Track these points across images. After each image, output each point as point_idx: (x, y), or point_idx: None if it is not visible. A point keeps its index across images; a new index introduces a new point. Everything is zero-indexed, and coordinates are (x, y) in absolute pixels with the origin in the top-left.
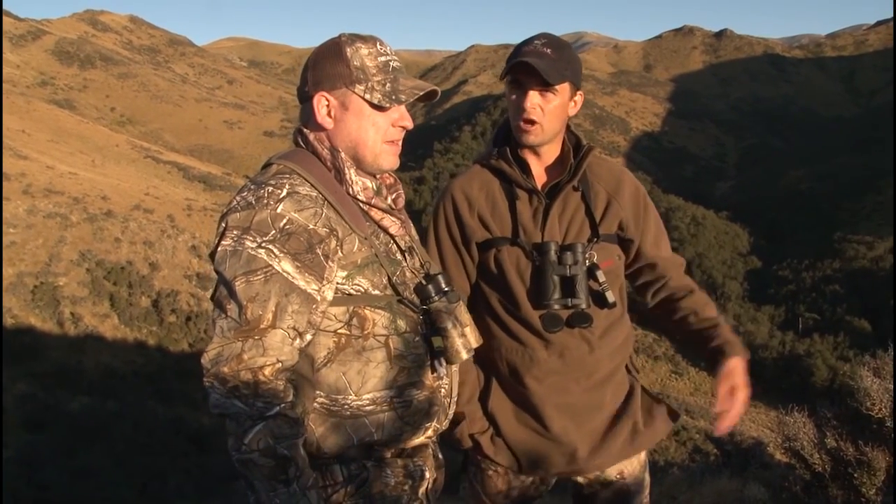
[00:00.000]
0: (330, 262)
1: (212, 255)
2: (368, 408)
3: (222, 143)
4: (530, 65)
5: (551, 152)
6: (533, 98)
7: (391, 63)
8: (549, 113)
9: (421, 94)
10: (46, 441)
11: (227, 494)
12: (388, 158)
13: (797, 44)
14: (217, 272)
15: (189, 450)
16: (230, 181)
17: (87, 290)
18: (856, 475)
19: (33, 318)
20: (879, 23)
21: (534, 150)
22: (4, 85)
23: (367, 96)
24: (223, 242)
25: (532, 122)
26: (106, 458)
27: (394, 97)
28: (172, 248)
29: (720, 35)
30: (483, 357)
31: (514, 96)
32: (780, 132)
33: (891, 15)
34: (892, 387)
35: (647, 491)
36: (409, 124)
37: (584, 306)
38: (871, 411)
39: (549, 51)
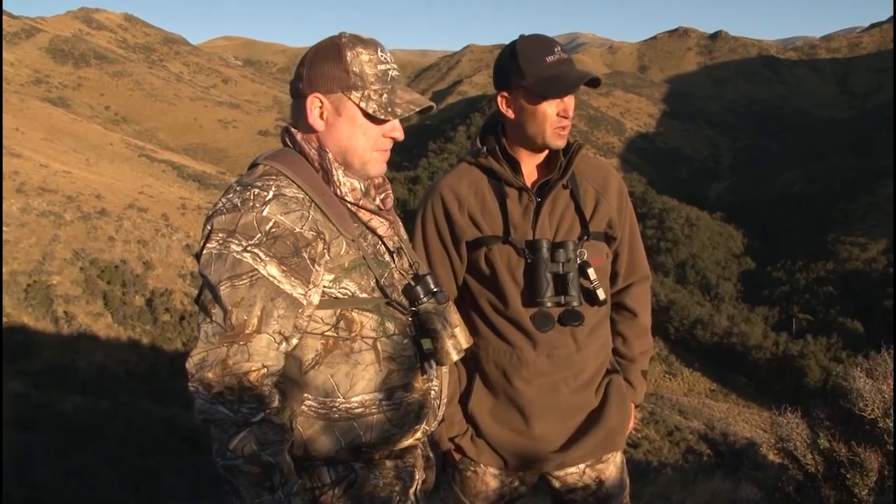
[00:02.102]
0: (316, 266)
1: (197, 258)
2: (357, 410)
3: (217, 142)
4: (588, 77)
5: (543, 150)
6: (570, 102)
7: (390, 72)
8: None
9: (417, 110)
10: (39, 441)
11: (220, 495)
12: (376, 166)
13: (791, 45)
14: (202, 275)
15: (182, 449)
16: (225, 180)
17: (80, 288)
18: (848, 476)
19: (26, 316)
20: (873, 25)
21: (529, 148)
22: None
23: (363, 105)
24: (208, 245)
25: (568, 127)
26: (99, 458)
27: (390, 110)
28: (166, 247)
29: (715, 36)
30: (467, 358)
31: (551, 106)
32: (775, 134)
33: (884, 18)
34: (884, 388)
35: (626, 492)
36: (400, 136)
37: (576, 304)
38: (863, 412)
39: (566, 55)
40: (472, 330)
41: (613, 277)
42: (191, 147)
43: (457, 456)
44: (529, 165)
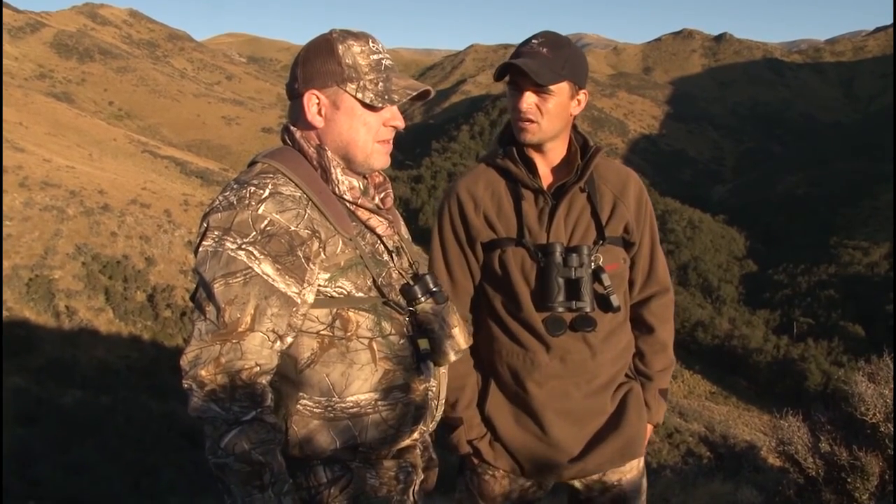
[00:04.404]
0: (311, 265)
1: (195, 255)
2: (352, 410)
3: (220, 138)
4: (523, 65)
5: (557, 152)
6: (528, 98)
7: (383, 61)
8: (546, 112)
9: (414, 94)
10: (39, 435)
11: (218, 491)
12: (380, 158)
13: (796, 49)
14: (197, 273)
15: (182, 445)
16: (228, 177)
17: (82, 283)
18: (849, 480)
19: (28, 311)
20: (878, 29)
21: (539, 149)
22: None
23: (359, 95)
24: (204, 243)
25: (529, 121)
26: (99, 453)
27: (386, 97)
28: (169, 244)
29: (720, 39)
30: (483, 360)
31: (511, 97)
32: (778, 137)
33: (889, 22)
34: (886, 392)
35: (643, 496)
36: (401, 124)
37: (588, 309)
38: (865, 416)
39: (545, 50)
40: (488, 332)
41: (630, 286)
42: (194, 143)
43: (474, 460)
44: (545, 168)
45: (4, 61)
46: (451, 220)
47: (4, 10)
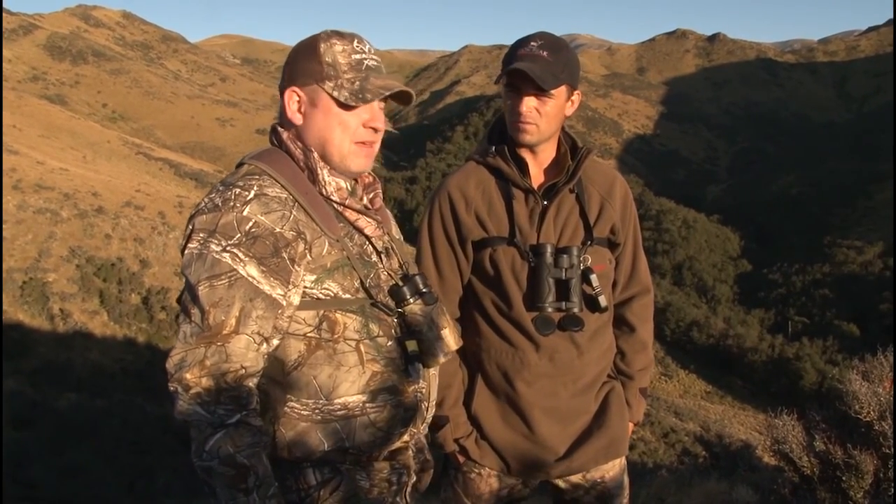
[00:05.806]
0: (296, 267)
1: (182, 256)
2: (340, 412)
3: (214, 140)
4: (528, 71)
5: (547, 153)
6: (529, 102)
7: (365, 61)
8: (545, 115)
9: (387, 94)
10: (34, 438)
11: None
12: (357, 160)
13: (789, 48)
14: (183, 275)
15: (177, 448)
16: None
17: (76, 286)
18: (844, 478)
19: (22, 313)
20: (871, 29)
21: (531, 149)
22: None
23: (335, 94)
24: (189, 245)
25: (529, 124)
26: (94, 456)
27: (360, 96)
28: (163, 246)
29: (713, 39)
30: (470, 358)
31: (510, 99)
32: (772, 136)
33: (882, 21)
34: (880, 390)
35: (626, 492)
36: (381, 125)
37: (577, 310)
38: (859, 415)
39: (544, 53)
40: (476, 330)
41: (613, 286)
42: (188, 145)
43: (461, 458)
44: (535, 168)
45: None
46: (441, 217)
47: None
